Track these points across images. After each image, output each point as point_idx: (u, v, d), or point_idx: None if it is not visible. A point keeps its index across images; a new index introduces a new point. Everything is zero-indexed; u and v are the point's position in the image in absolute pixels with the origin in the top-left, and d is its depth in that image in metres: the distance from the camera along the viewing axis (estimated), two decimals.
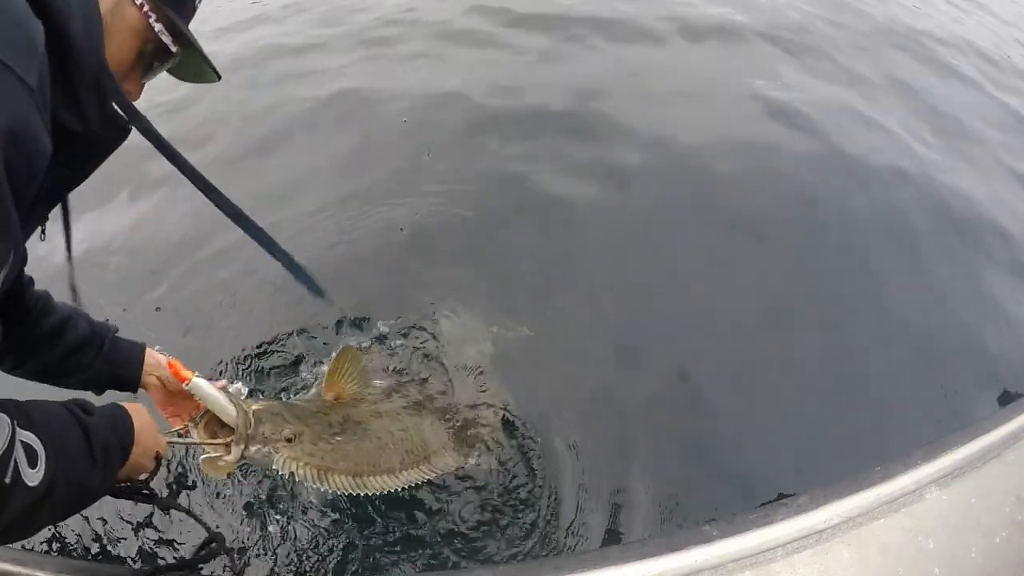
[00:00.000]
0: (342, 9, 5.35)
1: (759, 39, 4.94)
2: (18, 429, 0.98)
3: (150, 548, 1.96)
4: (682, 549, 1.34)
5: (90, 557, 1.92)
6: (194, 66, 1.33)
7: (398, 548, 1.93)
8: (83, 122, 1.09)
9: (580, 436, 2.23)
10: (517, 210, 3.22)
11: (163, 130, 1.27)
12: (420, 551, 1.93)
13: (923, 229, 3.34)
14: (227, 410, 1.55)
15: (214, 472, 1.59)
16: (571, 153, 3.55)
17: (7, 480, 0.94)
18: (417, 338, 2.49)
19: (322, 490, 1.65)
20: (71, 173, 1.19)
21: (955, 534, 1.44)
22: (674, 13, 5.17)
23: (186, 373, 1.51)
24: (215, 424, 1.58)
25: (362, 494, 1.69)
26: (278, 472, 1.63)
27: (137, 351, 1.64)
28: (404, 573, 1.90)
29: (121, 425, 1.25)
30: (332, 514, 1.99)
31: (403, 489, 1.77)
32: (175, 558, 1.89)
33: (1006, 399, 2.54)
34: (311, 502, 2.01)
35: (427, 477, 1.84)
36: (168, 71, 1.32)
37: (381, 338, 2.46)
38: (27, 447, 0.99)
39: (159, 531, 1.98)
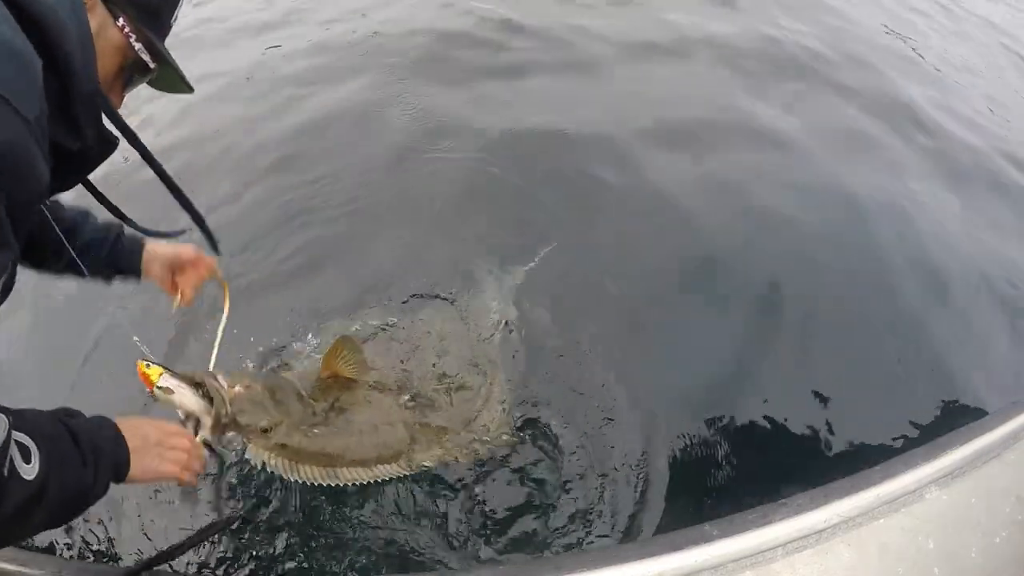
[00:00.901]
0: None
1: (751, 57, 4.89)
2: (12, 429, 1.02)
3: (150, 549, 1.96)
4: (682, 549, 1.34)
5: (89, 558, 1.93)
6: (169, 79, 1.44)
7: (394, 547, 1.94)
8: (81, 140, 1.19)
9: (584, 433, 2.24)
10: (513, 216, 3.25)
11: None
12: (418, 550, 1.94)
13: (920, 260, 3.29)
14: (194, 408, 1.57)
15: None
16: (554, 171, 3.52)
17: (4, 472, 0.98)
18: (423, 321, 2.49)
19: (294, 480, 1.68)
20: (61, 185, 1.28)
21: (955, 534, 1.44)
22: (666, 27, 5.16)
23: (153, 376, 1.54)
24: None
25: (333, 485, 1.72)
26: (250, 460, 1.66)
27: (136, 256, 1.75)
28: (403, 573, 1.90)
29: (106, 424, 1.27)
30: (328, 511, 2.00)
31: (377, 482, 1.80)
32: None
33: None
34: (306, 500, 2.02)
35: (402, 473, 1.86)
36: (147, 83, 1.42)
37: (385, 323, 2.46)
38: (20, 445, 1.03)
39: (160, 532, 1.99)
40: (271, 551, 1.94)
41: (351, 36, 4.93)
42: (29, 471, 1.03)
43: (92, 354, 2.50)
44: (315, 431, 1.76)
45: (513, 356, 2.44)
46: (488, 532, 2.00)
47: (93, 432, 1.21)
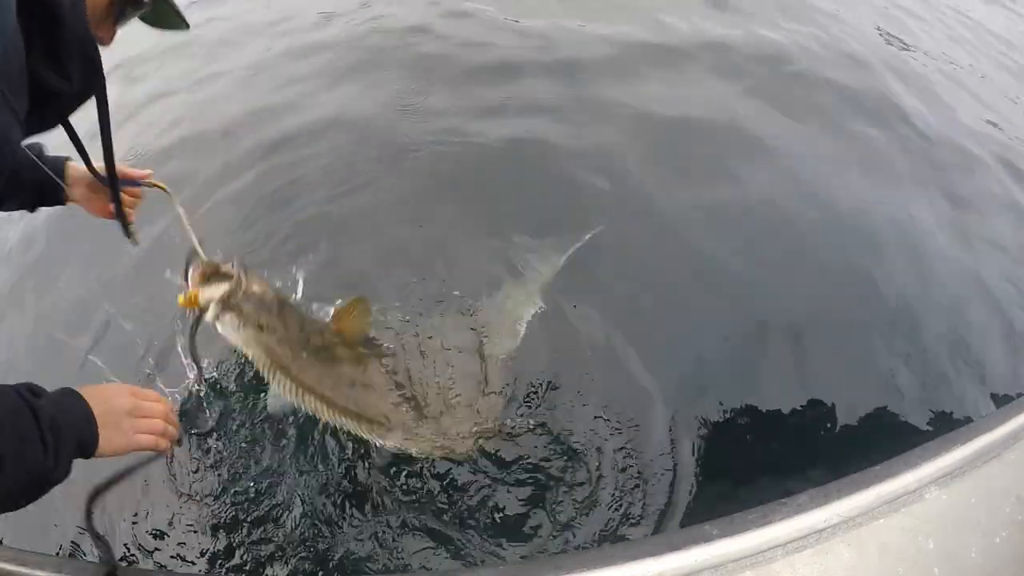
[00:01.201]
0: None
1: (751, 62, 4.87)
2: None
3: (151, 549, 1.96)
4: (682, 549, 1.34)
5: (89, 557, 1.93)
6: (164, 14, 1.38)
7: (394, 545, 1.95)
8: (70, 84, 1.16)
9: (584, 434, 2.24)
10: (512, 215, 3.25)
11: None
12: (417, 550, 1.94)
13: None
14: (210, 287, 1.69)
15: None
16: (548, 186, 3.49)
17: None
18: (435, 325, 2.49)
19: (265, 381, 1.78)
20: (39, 126, 1.23)
21: (955, 534, 1.44)
22: (666, 29, 5.14)
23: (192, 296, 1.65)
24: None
25: (297, 404, 1.80)
26: (238, 348, 1.76)
27: (58, 175, 1.64)
28: (403, 573, 1.90)
29: (74, 401, 1.19)
30: (328, 508, 2.00)
31: (335, 425, 1.88)
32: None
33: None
34: (306, 498, 2.02)
35: (359, 434, 1.91)
36: (140, 18, 1.36)
37: (398, 321, 2.49)
38: None
39: (162, 531, 1.99)
40: (270, 550, 1.94)
41: (351, 34, 4.93)
42: None
43: (92, 354, 2.50)
44: (304, 354, 1.83)
45: (516, 357, 2.44)
46: (486, 532, 2.00)
47: (57, 410, 1.13)
